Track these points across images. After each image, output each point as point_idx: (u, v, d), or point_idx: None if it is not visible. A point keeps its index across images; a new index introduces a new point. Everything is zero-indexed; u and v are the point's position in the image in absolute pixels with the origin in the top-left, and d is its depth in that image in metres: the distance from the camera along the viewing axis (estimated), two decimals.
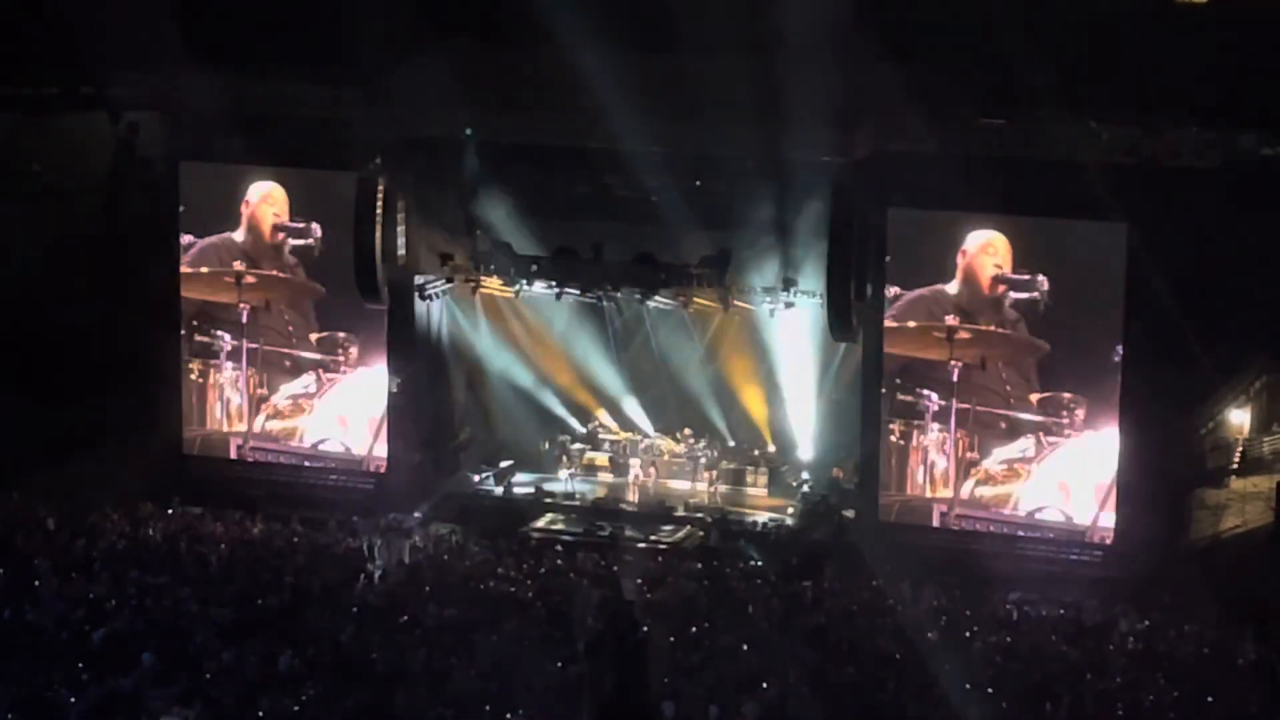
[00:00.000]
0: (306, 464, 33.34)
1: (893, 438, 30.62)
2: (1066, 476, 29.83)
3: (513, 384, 34.73)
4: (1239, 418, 32.06)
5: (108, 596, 25.54)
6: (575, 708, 22.28)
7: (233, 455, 33.64)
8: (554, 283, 32.53)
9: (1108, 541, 29.57)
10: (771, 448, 34.31)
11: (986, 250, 29.69)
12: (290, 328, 33.14)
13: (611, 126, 29.94)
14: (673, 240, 31.86)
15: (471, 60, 31.21)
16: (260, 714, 21.93)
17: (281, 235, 32.89)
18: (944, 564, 28.92)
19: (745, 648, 24.34)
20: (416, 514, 32.10)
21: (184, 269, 33.21)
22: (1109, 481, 29.50)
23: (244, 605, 25.59)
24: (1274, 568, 28.47)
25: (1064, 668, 24.26)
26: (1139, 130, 29.04)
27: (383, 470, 33.00)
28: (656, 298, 32.55)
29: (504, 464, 34.22)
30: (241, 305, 33.28)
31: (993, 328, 29.87)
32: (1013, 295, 29.67)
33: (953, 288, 29.96)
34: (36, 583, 25.99)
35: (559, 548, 30.08)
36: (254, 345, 33.30)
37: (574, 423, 35.20)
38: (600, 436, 35.07)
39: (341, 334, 32.86)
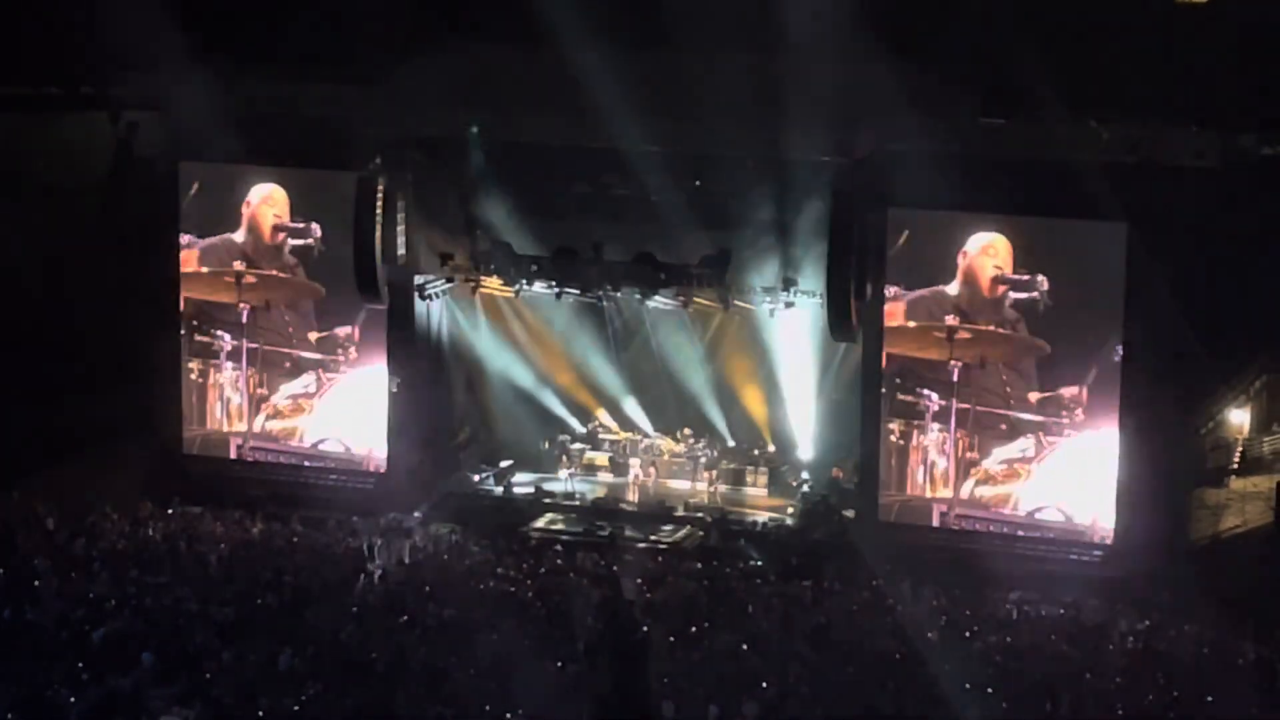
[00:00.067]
0: (306, 464, 33.30)
1: (892, 438, 30.60)
2: (1066, 476, 29.82)
3: (513, 384, 34.70)
4: (1239, 418, 32.07)
5: (107, 596, 25.55)
6: (575, 708, 22.28)
7: (232, 455, 33.60)
8: (554, 283, 32.53)
9: (1108, 541, 29.55)
10: (771, 448, 34.27)
11: (987, 251, 29.67)
12: (290, 328, 33.13)
13: (611, 126, 29.92)
14: (673, 240, 31.81)
15: (471, 60, 31.22)
16: (260, 714, 21.93)
17: (281, 235, 32.85)
18: (944, 564, 28.93)
19: (745, 648, 24.35)
20: (416, 514, 32.05)
21: (184, 269, 33.24)
22: (1109, 482, 29.49)
23: (244, 605, 25.60)
24: (1274, 568, 28.45)
25: (1064, 667, 24.26)
26: (1139, 130, 29.05)
27: (382, 470, 32.98)
28: (656, 298, 32.53)
29: (504, 464, 34.21)
30: (241, 305, 33.25)
31: (993, 328, 29.85)
32: (1013, 295, 29.65)
33: (953, 288, 29.95)
34: (36, 582, 25.98)
35: (559, 548, 30.03)
36: (254, 345, 33.27)
37: (574, 423, 35.17)
38: (600, 436, 35.04)
39: (341, 334, 32.87)
